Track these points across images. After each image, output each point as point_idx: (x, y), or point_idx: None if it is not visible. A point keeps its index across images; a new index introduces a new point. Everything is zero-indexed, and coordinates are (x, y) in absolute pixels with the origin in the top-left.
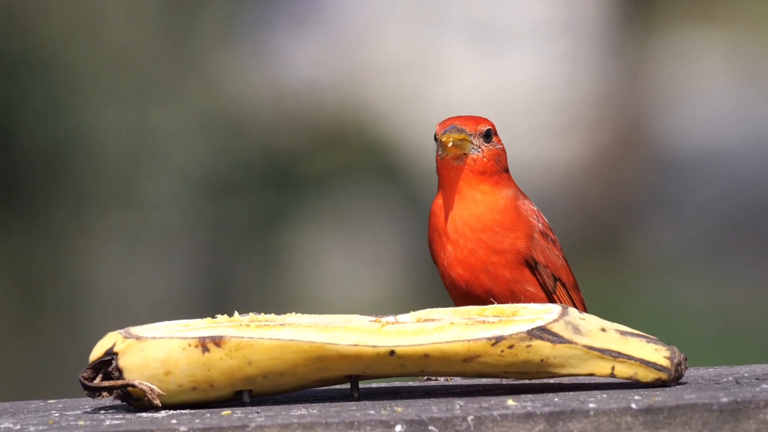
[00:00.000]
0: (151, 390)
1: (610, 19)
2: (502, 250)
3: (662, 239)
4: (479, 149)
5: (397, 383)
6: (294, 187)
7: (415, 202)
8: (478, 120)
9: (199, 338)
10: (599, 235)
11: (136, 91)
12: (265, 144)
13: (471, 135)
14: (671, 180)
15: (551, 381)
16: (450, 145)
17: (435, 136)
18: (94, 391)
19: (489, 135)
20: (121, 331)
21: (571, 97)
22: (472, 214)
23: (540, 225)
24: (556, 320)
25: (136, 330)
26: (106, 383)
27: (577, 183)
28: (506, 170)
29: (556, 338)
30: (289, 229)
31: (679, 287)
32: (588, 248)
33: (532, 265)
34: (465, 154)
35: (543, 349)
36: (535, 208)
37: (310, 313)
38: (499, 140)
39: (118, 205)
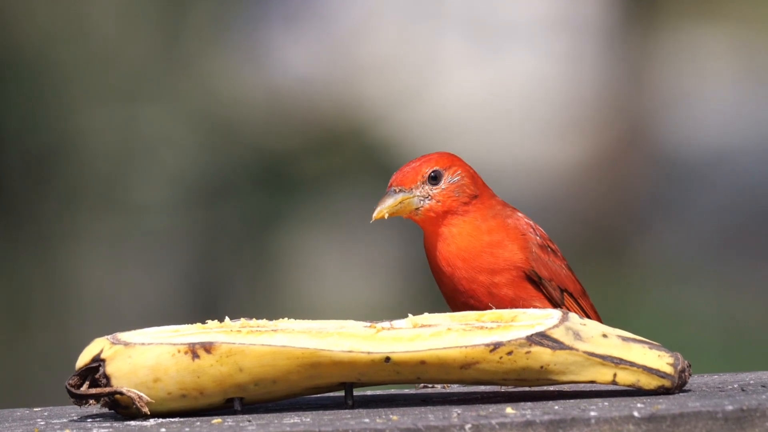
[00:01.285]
0: (140, 397)
1: (612, 15)
2: (500, 269)
3: (666, 243)
4: (428, 198)
5: (392, 390)
6: (288, 190)
7: None
8: (420, 166)
9: (189, 344)
10: (601, 239)
11: (126, 91)
12: (258, 145)
13: (412, 189)
14: (675, 182)
15: (551, 388)
16: (386, 217)
17: None
18: (81, 399)
19: (436, 177)
20: (109, 336)
21: (571, 97)
22: (459, 247)
23: (538, 238)
24: (556, 326)
25: (124, 336)
26: (93, 390)
27: (578, 185)
28: (475, 196)
29: (557, 344)
30: (283, 232)
31: (683, 293)
32: (590, 253)
33: (535, 281)
34: (416, 209)
35: (543, 355)
36: (530, 222)
37: (304, 318)
38: (457, 169)
39: (107, 207)
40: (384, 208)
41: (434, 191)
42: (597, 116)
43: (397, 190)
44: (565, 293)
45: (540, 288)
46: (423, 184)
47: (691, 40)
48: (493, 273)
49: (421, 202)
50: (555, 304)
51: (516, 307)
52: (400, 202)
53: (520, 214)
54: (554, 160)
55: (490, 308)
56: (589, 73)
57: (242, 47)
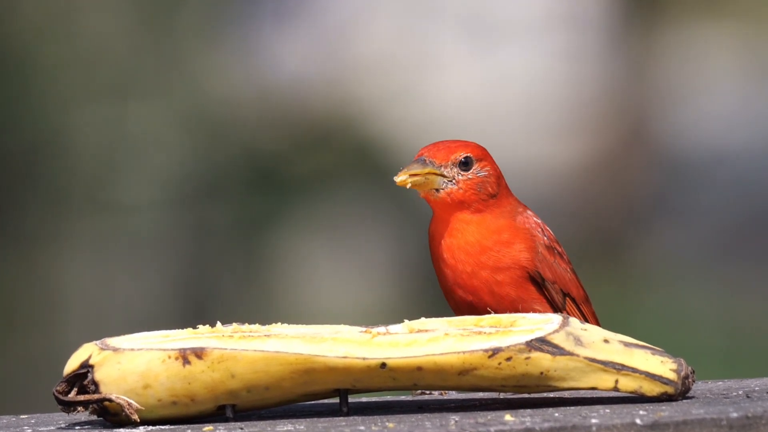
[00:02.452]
0: (129, 404)
1: (613, 12)
2: (505, 267)
3: (667, 245)
4: (452, 182)
5: (388, 397)
6: (279, 190)
7: (406, 206)
8: (456, 147)
9: (180, 350)
10: (601, 241)
11: (114, 89)
12: (249, 144)
13: (442, 167)
14: (677, 182)
15: (551, 395)
16: (408, 186)
17: None
18: (69, 406)
19: (468, 163)
20: (98, 342)
21: (571, 96)
22: (466, 240)
23: (545, 239)
24: (556, 331)
25: (113, 341)
26: (82, 397)
27: (578, 185)
28: (494, 196)
29: (557, 350)
30: (275, 234)
31: (685, 295)
32: (589, 254)
33: (538, 282)
34: (436, 189)
35: (543, 361)
36: (539, 221)
37: (297, 323)
38: (486, 164)
39: (94, 209)
40: (410, 173)
41: (460, 177)
42: (598, 115)
43: (427, 161)
44: (567, 298)
45: (542, 290)
46: (453, 166)
47: (694, 37)
48: (496, 270)
49: (445, 183)
50: (556, 308)
51: (516, 307)
52: (426, 174)
53: (530, 213)
54: (553, 159)
55: (489, 312)
56: (590, 72)
57: (233, 44)
